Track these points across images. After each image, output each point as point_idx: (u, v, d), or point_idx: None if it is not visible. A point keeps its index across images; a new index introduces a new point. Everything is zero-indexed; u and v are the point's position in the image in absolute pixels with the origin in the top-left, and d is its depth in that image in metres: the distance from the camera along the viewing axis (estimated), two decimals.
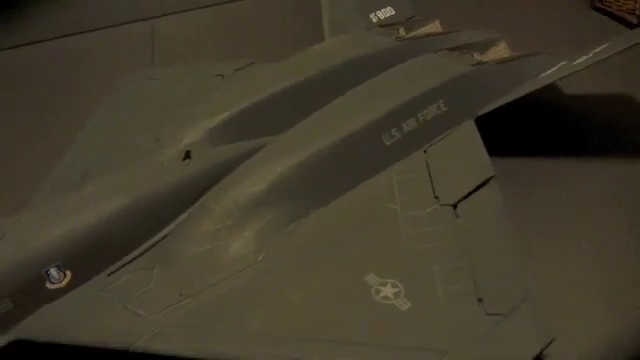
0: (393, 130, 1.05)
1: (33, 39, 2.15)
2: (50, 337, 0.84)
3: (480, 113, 1.12)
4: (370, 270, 0.82)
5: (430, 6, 1.61)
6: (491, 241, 0.84)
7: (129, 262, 0.93)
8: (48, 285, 0.87)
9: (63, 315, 0.86)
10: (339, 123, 1.06)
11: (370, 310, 0.77)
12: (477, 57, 1.27)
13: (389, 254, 0.86)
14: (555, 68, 1.17)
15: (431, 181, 0.98)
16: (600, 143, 1.21)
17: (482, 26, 1.43)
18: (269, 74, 1.25)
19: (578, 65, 1.11)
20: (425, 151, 1.06)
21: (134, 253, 0.93)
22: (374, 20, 1.50)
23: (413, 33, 1.41)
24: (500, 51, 1.32)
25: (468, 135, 1.07)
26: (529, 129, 1.25)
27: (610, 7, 1.65)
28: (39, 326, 0.85)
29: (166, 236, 0.95)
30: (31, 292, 0.85)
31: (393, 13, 1.51)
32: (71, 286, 0.88)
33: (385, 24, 1.47)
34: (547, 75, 1.17)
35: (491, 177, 0.94)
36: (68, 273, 0.88)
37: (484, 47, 1.32)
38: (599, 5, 1.69)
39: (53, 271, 0.87)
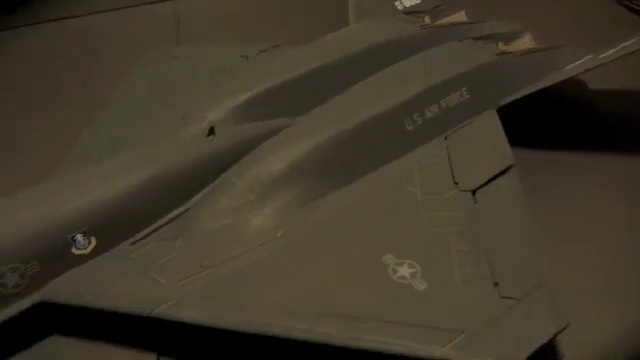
0: (415, 116, 1.06)
1: (53, 17, 2.17)
2: (74, 301, 0.87)
3: (502, 103, 1.12)
4: (387, 250, 0.83)
5: None
6: (508, 227, 0.84)
7: (152, 232, 0.95)
8: (74, 250, 0.90)
9: (87, 280, 0.88)
10: (361, 106, 1.07)
11: (387, 288, 0.78)
12: (502, 47, 1.27)
13: (407, 235, 0.87)
14: (580, 61, 1.17)
15: (451, 167, 0.99)
16: (622, 139, 1.21)
17: (510, 18, 1.43)
18: (294, 56, 1.26)
19: (603, 59, 1.11)
20: (446, 138, 1.07)
21: (157, 224, 0.96)
22: (399, 7, 1.50)
23: (438, 22, 1.41)
24: (525, 43, 1.31)
25: (490, 124, 1.08)
26: (551, 122, 1.25)
27: (637, 2, 1.63)
28: (64, 289, 0.88)
29: (189, 209, 0.98)
30: (57, 256, 0.88)
31: (418, 1, 1.51)
32: (95, 253, 0.91)
33: (410, 12, 1.47)
34: (572, 68, 1.16)
35: (511, 166, 0.95)
36: (93, 240, 0.91)
37: (509, 38, 1.32)
38: (626, 2, 1.67)
39: (79, 237, 0.90)
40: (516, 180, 0.93)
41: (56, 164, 1.17)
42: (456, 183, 0.95)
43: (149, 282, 0.85)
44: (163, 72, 1.44)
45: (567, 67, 1.17)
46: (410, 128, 1.05)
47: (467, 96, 1.10)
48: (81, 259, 0.90)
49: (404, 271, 0.80)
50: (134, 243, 0.94)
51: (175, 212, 0.97)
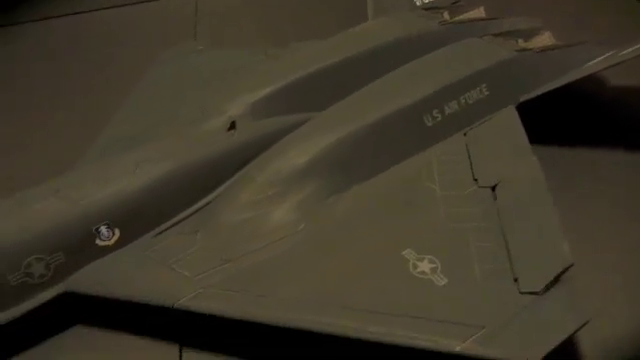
0: (434, 112, 1.07)
1: (75, 10, 2.19)
2: (97, 291, 0.89)
3: (522, 100, 1.12)
4: (408, 245, 0.84)
5: None
6: (529, 223, 0.85)
7: (173, 225, 0.96)
8: (98, 242, 0.91)
9: (111, 271, 0.90)
10: (381, 102, 1.08)
11: (407, 283, 0.79)
12: (521, 44, 1.26)
13: (427, 231, 0.87)
14: (601, 58, 1.16)
15: (470, 163, 0.99)
16: None
17: (527, 14, 1.42)
18: (313, 51, 1.27)
19: (624, 56, 1.11)
20: (465, 134, 1.07)
21: (179, 217, 0.97)
22: (417, 3, 1.50)
23: (457, 18, 1.41)
24: (545, 39, 1.31)
25: (509, 120, 1.08)
26: (571, 119, 1.24)
27: None
28: (88, 280, 0.89)
29: (210, 202, 0.99)
30: (82, 247, 0.90)
31: None
32: (119, 244, 0.93)
33: (428, 7, 1.47)
34: (592, 65, 1.16)
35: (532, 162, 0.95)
36: (117, 232, 0.92)
37: (528, 35, 1.32)
38: None
39: (103, 229, 0.91)
40: (539, 174, 0.92)
41: (74, 159, 1.19)
42: (475, 179, 0.95)
43: (172, 274, 0.86)
44: (183, 67, 1.45)
45: (587, 64, 1.17)
46: (429, 124, 1.06)
47: (486, 92, 1.10)
48: (105, 250, 0.92)
49: (424, 266, 0.81)
50: (156, 236, 0.95)
51: (196, 206, 0.99)
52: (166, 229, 0.96)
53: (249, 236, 0.91)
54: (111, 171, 0.97)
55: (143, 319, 0.91)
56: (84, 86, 1.69)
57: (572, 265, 0.75)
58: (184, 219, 0.97)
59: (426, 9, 1.45)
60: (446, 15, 1.41)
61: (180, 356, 0.88)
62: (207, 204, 0.99)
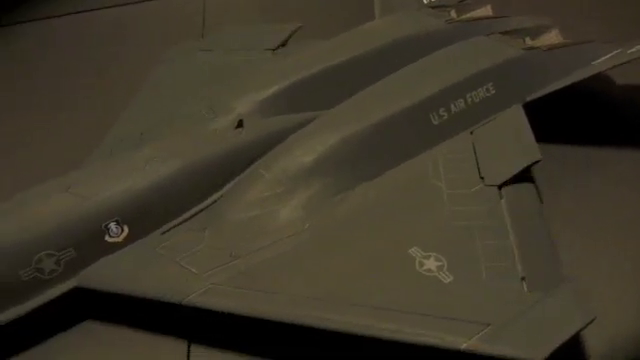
0: (441, 110, 1.07)
1: (77, 9, 2.20)
2: (107, 287, 0.90)
3: (529, 99, 1.12)
4: (414, 243, 0.85)
5: None
6: (535, 222, 0.85)
7: (182, 222, 0.97)
8: (107, 238, 0.92)
9: (120, 267, 0.91)
10: (387, 101, 1.08)
11: (413, 280, 0.80)
12: (529, 42, 1.26)
13: (433, 229, 0.88)
14: (608, 56, 1.16)
15: (477, 162, 0.99)
16: None
17: (535, 12, 1.42)
18: (320, 50, 1.27)
19: (632, 54, 1.10)
20: (472, 132, 1.07)
21: (187, 214, 0.98)
22: (424, 1, 1.50)
23: (464, 16, 1.41)
24: (552, 38, 1.31)
25: (516, 119, 1.08)
26: (578, 117, 1.24)
27: None
28: (98, 276, 0.91)
29: (218, 200, 1.00)
30: (92, 244, 0.91)
31: None
32: (128, 241, 0.94)
33: (435, 5, 1.47)
34: (599, 63, 1.16)
35: (537, 161, 0.95)
36: (126, 228, 0.93)
37: (536, 33, 1.31)
38: None
39: (112, 225, 0.92)
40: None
41: (76, 158, 1.19)
42: (482, 178, 0.95)
43: (180, 270, 0.87)
44: (190, 65, 1.46)
45: (595, 62, 1.16)
46: (436, 122, 1.06)
47: (493, 91, 1.10)
48: (114, 247, 0.93)
49: (430, 264, 0.81)
50: (164, 233, 0.96)
51: (204, 203, 1.00)
52: (174, 226, 0.97)
53: (256, 233, 0.92)
54: (120, 169, 0.98)
55: (152, 315, 0.92)
56: (89, 85, 1.70)
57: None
58: (192, 216, 0.98)
59: (433, 7, 1.46)
60: (453, 13, 1.41)
61: (188, 352, 0.89)
62: (215, 202, 1.00)
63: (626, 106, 1.28)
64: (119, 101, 1.40)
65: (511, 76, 1.13)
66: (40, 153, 1.42)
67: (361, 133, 1.02)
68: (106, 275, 0.90)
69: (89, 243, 0.91)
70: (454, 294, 0.77)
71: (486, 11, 1.47)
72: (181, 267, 0.88)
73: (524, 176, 0.95)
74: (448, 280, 0.79)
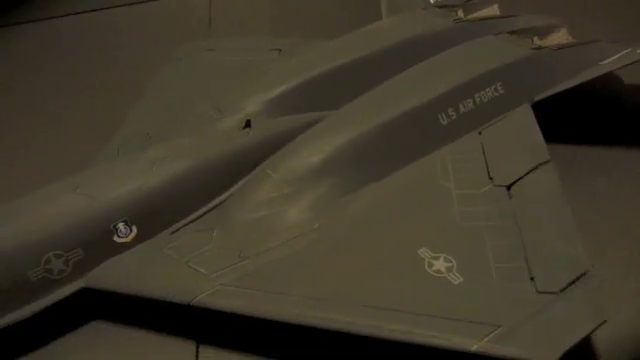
0: (449, 110, 1.07)
1: (77, 10, 2.20)
2: (115, 287, 0.90)
3: (537, 99, 1.12)
4: (423, 244, 0.84)
5: None
6: (544, 222, 0.84)
7: (190, 223, 0.97)
8: (116, 239, 0.92)
9: (128, 268, 0.91)
10: (395, 101, 1.08)
11: (422, 281, 0.79)
12: (537, 42, 1.26)
13: (442, 230, 0.87)
14: (617, 56, 1.16)
15: (486, 162, 0.99)
16: None
17: (543, 12, 1.41)
18: (327, 50, 1.27)
19: None
20: (480, 132, 1.07)
21: (195, 214, 0.98)
22: (432, 1, 1.50)
23: (471, 15, 1.41)
24: (560, 37, 1.30)
25: (524, 119, 1.07)
26: (586, 117, 1.23)
27: None
28: (106, 276, 0.90)
29: (226, 200, 1.00)
30: (100, 244, 0.91)
31: None
32: (136, 241, 0.94)
33: (443, 5, 1.47)
34: (608, 63, 1.15)
35: (546, 161, 0.95)
36: (134, 229, 0.93)
37: (544, 32, 1.31)
38: None
39: (121, 225, 0.92)
40: (553, 174, 0.93)
41: (79, 159, 1.19)
42: (491, 178, 0.95)
43: (188, 271, 0.87)
44: (197, 65, 1.46)
45: (603, 62, 1.16)
46: (444, 123, 1.06)
47: (502, 91, 1.10)
48: (123, 247, 0.93)
49: (440, 265, 0.81)
50: (173, 233, 0.96)
51: (212, 203, 1.00)
52: (183, 226, 0.97)
53: (265, 234, 0.92)
54: (129, 169, 0.98)
55: (160, 315, 0.91)
56: (93, 86, 1.69)
57: (589, 271, 0.74)
58: (200, 217, 0.98)
59: (440, 7, 1.45)
60: (460, 13, 1.41)
61: (197, 352, 0.89)
62: (223, 202, 1.00)
63: (634, 106, 1.27)
64: (124, 102, 1.40)
65: (519, 76, 1.13)
66: (44, 154, 1.42)
67: (369, 133, 1.01)
68: (114, 275, 0.90)
69: (97, 243, 0.91)
70: (464, 295, 0.76)
71: (493, 10, 1.47)
72: (189, 267, 0.88)
73: (538, 175, 0.94)
74: (458, 281, 0.79)
